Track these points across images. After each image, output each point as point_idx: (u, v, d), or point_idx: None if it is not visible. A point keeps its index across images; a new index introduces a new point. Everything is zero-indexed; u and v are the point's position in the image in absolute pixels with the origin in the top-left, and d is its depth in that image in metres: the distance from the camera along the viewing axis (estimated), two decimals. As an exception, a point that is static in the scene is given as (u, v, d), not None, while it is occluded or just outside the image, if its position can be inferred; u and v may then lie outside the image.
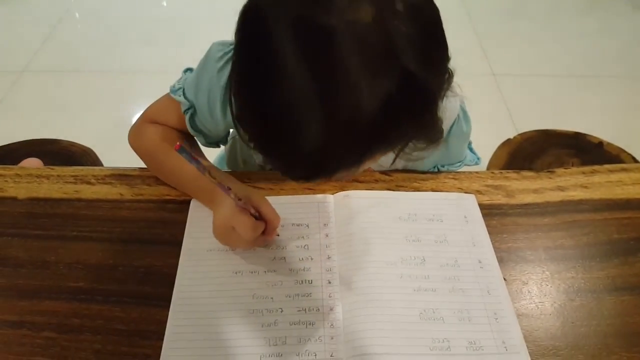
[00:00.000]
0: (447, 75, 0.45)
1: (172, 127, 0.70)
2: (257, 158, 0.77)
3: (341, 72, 0.36)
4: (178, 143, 0.44)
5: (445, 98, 0.47)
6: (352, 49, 0.36)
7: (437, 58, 0.42)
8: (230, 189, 0.54)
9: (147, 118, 0.71)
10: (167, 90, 0.68)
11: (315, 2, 0.37)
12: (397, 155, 0.49)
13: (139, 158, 0.72)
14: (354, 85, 0.36)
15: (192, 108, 0.66)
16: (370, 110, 0.37)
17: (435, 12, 0.43)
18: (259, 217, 0.59)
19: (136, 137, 0.71)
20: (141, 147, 0.70)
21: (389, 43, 0.37)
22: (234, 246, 0.62)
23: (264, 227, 0.59)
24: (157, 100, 0.72)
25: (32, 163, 1.01)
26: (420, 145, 0.49)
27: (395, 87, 0.37)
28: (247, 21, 0.41)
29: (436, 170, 0.74)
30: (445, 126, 0.67)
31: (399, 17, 0.38)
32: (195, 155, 0.47)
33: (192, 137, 0.70)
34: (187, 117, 0.66)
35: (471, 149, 0.78)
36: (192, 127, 0.67)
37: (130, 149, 0.72)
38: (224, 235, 0.60)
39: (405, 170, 0.73)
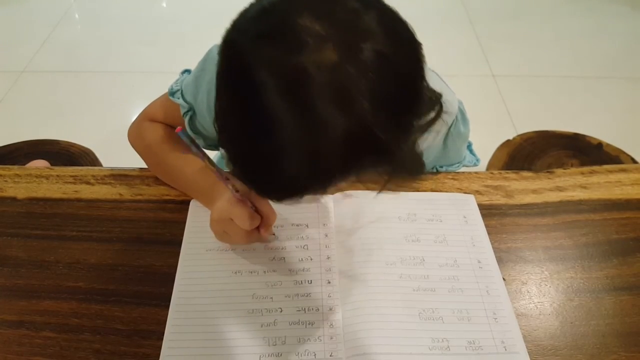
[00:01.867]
0: (420, 120, 0.45)
1: (172, 126, 0.70)
2: None
3: (307, 109, 0.38)
4: (179, 127, 0.45)
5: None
6: (317, 89, 0.38)
7: (402, 110, 0.42)
8: (228, 179, 0.55)
9: (147, 116, 0.72)
10: (167, 91, 0.68)
11: (285, 42, 0.39)
12: (382, 188, 0.51)
13: (138, 158, 0.72)
14: (318, 122, 0.38)
15: (191, 110, 0.66)
16: (332, 146, 0.39)
17: (410, 63, 0.42)
18: (255, 211, 0.59)
19: (136, 135, 0.71)
20: (141, 146, 0.70)
21: (345, 90, 0.38)
22: (231, 241, 0.61)
23: (260, 221, 0.59)
24: (157, 99, 0.72)
25: (39, 164, 1.02)
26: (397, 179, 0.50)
27: (353, 130, 0.39)
28: (226, 55, 0.43)
29: (435, 171, 0.74)
30: (443, 129, 0.67)
31: (360, 66, 0.38)
32: (195, 141, 0.48)
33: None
34: (186, 119, 0.66)
35: (471, 150, 0.78)
36: (191, 129, 0.67)
37: (130, 149, 0.72)
38: (221, 228, 0.60)
39: (404, 171, 0.73)
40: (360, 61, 0.38)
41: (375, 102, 0.39)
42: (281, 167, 0.41)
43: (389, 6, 0.43)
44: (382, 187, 0.49)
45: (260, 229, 0.60)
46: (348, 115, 0.38)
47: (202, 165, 0.63)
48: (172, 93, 0.67)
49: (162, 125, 0.70)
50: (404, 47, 0.42)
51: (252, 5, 0.43)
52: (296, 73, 0.38)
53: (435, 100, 0.48)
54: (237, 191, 0.56)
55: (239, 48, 0.41)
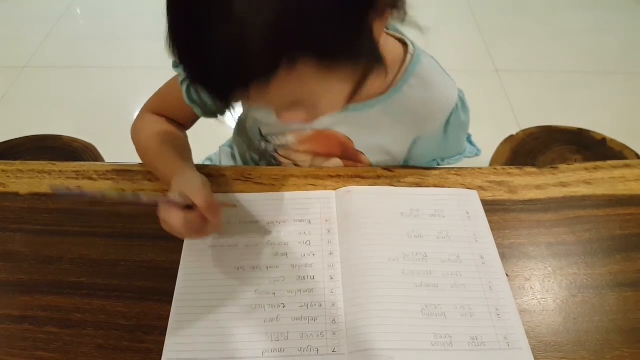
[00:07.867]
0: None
1: (172, 119, 0.71)
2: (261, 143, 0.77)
3: None
4: (52, 189, 0.46)
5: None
6: None
7: None
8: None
9: (149, 107, 0.73)
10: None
11: None
12: (351, 97, 0.50)
13: (141, 153, 0.72)
14: None
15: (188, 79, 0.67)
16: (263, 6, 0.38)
17: None
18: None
19: (136, 130, 0.72)
20: (140, 142, 0.71)
21: None
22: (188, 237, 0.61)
23: (199, 217, 0.56)
24: (159, 89, 0.73)
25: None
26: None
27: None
28: None
29: (436, 164, 0.74)
30: (443, 116, 0.67)
31: None
32: (74, 190, 0.48)
33: (186, 137, 0.72)
34: (183, 88, 0.67)
35: (471, 142, 0.78)
36: (188, 98, 0.68)
37: (131, 144, 0.72)
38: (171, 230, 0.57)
39: (407, 166, 0.73)
40: None
41: None
42: (212, 35, 0.40)
43: None
44: (350, 98, 0.50)
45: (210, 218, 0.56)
46: None
47: (179, 166, 0.64)
48: (176, 65, 0.67)
49: (161, 121, 0.71)
50: None
51: None
52: None
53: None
54: (164, 197, 0.56)
55: None
